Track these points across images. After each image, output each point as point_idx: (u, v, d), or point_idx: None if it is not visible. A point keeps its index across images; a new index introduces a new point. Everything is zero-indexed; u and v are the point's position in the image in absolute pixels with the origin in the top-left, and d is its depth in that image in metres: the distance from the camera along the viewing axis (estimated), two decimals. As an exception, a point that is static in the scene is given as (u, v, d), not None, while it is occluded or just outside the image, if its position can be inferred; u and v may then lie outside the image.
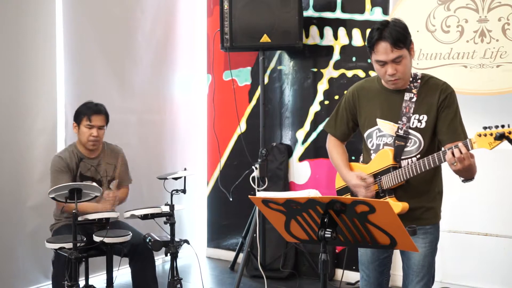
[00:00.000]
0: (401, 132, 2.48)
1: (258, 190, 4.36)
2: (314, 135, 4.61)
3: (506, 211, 3.89)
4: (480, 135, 2.19)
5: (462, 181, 2.38)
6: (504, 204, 3.90)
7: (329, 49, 4.50)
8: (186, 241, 3.24)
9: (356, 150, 2.79)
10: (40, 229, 3.74)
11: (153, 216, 3.18)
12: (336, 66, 4.48)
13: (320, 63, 4.56)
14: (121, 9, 4.51)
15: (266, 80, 4.65)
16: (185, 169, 3.34)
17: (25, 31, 3.82)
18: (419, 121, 2.47)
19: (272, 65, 4.81)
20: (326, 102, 4.52)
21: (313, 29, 4.56)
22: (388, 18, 3.45)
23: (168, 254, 3.15)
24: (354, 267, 3.99)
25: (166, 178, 3.25)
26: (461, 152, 2.21)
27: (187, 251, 3.61)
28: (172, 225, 3.15)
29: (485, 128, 2.19)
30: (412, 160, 2.46)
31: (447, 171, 2.44)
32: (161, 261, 4.81)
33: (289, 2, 4.26)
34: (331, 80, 4.51)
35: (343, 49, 4.44)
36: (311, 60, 4.61)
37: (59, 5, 4.03)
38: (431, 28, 3.78)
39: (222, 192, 4.92)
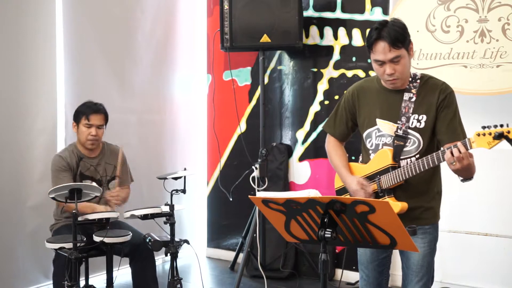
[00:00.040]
0: (400, 132, 2.48)
1: (258, 190, 4.36)
2: (314, 135, 4.62)
3: (506, 211, 3.89)
4: (479, 135, 2.20)
5: (461, 180, 2.38)
6: (504, 204, 3.90)
7: (329, 49, 4.50)
8: (186, 241, 3.24)
9: (356, 150, 2.79)
10: (40, 229, 3.74)
11: (153, 216, 3.18)
12: (336, 66, 4.48)
13: (320, 63, 4.56)
14: (121, 9, 4.51)
15: (266, 80, 4.65)
16: (185, 169, 3.34)
17: (25, 31, 3.82)
18: (419, 121, 2.47)
19: (272, 65, 4.81)
20: (326, 102, 4.52)
21: (313, 29, 4.56)
22: (388, 18, 3.46)
23: (168, 254, 3.15)
24: (354, 267, 3.98)
25: (166, 178, 3.25)
26: (460, 152, 2.22)
27: (187, 251, 3.60)
28: (172, 225, 3.15)
29: (484, 127, 2.19)
30: (411, 160, 2.47)
31: (446, 171, 2.44)
32: (161, 261, 4.81)
33: (289, 2, 4.26)
34: (331, 80, 4.51)
35: (343, 49, 4.44)
36: (311, 60, 4.61)
37: (59, 5, 4.03)
38: (431, 28, 3.78)
39: (222, 192, 4.92)
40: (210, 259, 5.16)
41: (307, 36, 4.57)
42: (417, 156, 2.47)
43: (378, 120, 2.56)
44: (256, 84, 4.75)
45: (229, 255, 4.97)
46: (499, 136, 2.15)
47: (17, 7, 3.77)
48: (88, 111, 3.50)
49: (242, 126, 4.93)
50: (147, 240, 3.16)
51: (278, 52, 4.75)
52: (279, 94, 4.79)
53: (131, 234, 3.29)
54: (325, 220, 1.94)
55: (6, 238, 3.75)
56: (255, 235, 4.31)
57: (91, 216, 3.16)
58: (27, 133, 3.87)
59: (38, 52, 3.90)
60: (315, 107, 4.60)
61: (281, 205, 2.02)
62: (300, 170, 4.70)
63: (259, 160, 4.40)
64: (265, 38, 4.28)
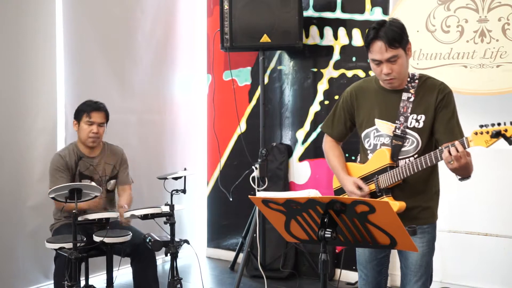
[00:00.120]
0: (398, 132, 2.49)
1: (258, 190, 4.36)
2: (314, 135, 4.62)
3: (506, 211, 3.89)
4: (476, 133, 2.21)
5: (459, 179, 2.39)
6: (504, 204, 3.90)
7: (329, 49, 4.50)
8: (186, 241, 3.24)
9: (356, 150, 2.79)
10: (40, 229, 3.74)
11: (153, 216, 3.18)
12: (336, 66, 4.48)
13: (320, 63, 4.56)
14: (121, 9, 4.51)
15: (266, 80, 4.65)
16: (185, 169, 3.34)
17: (25, 31, 3.82)
18: (417, 121, 2.48)
19: (272, 65, 4.81)
20: (326, 102, 4.52)
21: (313, 29, 4.56)
22: (388, 18, 3.45)
23: (168, 254, 3.15)
24: (354, 267, 3.98)
25: (166, 178, 3.25)
26: (457, 151, 2.22)
27: (187, 251, 3.61)
28: (172, 225, 3.15)
29: (481, 126, 2.20)
30: (409, 160, 2.47)
31: (444, 170, 2.44)
32: (161, 261, 4.81)
33: (289, 2, 4.26)
34: (331, 80, 4.52)
35: (343, 49, 4.44)
36: (311, 60, 4.61)
37: (59, 5, 4.03)
38: (431, 28, 3.78)
39: (222, 192, 4.92)
40: (210, 259, 5.16)
41: (307, 36, 4.57)
42: (415, 156, 2.47)
43: (376, 120, 2.56)
44: (256, 84, 4.75)
45: (229, 255, 4.97)
46: (497, 135, 2.15)
47: (17, 7, 3.77)
48: (89, 109, 3.51)
49: (242, 126, 4.93)
50: (147, 240, 3.16)
51: (278, 52, 4.75)
52: (279, 94, 4.79)
53: (131, 234, 3.29)
54: (325, 220, 1.94)
55: (6, 238, 3.75)
56: (255, 235, 4.31)
57: (91, 216, 3.17)
58: (27, 133, 3.87)
59: (38, 52, 3.90)
60: (315, 107, 4.60)
61: (281, 205, 2.02)
62: (300, 170, 4.70)
63: (259, 160, 4.40)
64: (265, 38, 4.28)
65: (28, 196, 3.87)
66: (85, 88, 4.15)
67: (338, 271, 4.47)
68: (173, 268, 3.18)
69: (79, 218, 3.05)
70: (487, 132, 2.17)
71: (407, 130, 2.48)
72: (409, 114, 2.48)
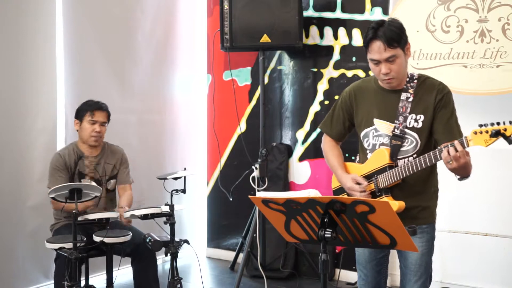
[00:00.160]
0: (397, 132, 2.49)
1: (258, 190, 4.36)
2: (314, 135, 4.62)
3: (506, 211, 3.89)
4: (475, 133, 2.21)
5: (458, 179, 2.39)
6: (504, 204, 3.90)
7: (329, 49, 4.50)
8: (186, 241, 3.24)
9: (355, 150, 2.79)
10: (40, 229, 3.74)
11: (153, 216, 3.18)
12: (336, 66, 4.48)
13: (320, 63, 4.56)
14: (121, 9, 4.51)
15: (266, 80, 4.65)
16: (185, 169, 3.34)
17: (25, 31, 3.82)
18: (416, 120, 2.48)
19: (272, 65, 4.81)
20: (326, 102, 4.52)
21: (313, 29, 4.56)
22: (387, 18, 3.45)
23: (168, 254, 3.15)
24: (354, 267, 3.98)
25: (166, 178, 3.25)
26: (456, 150, 2.22)
27: (187, 251, 3.61)
28: (172, 225, 3.15)
29: (480, 125, 2.20)
30: (408, 160, 2.47)
31: (443, 170, 2.44)
32: (161, 261, 4.80)
33: (289, 2, 4.26)
34: (331, 80, 4.52)
35: (343, 49, 4.44)
36: (311, 60, 4.61)
37: (59, 5, 4.03)
38: (431, 28, 3.78)
39: (222, 192, 4.92)
40: (210, 259, 5.16)
41: (307, 36, 4.57)
42: (414, 156, 2.47)
43: (375, 120, 2.56)
44: (256, 84, 4.75)
45: (229, 255, 4.97)
46: (496, 134, 2.15)
47: (17, 7, 3.77)
48: (92, 108, 3.54)
49: (242, 126, 4.93)
50: (147, 240, 3.16)
51: (278, 52, 4.75)
52: (279, 94, 4.79)
53: (131, 234, 3.29)
54: (325, 220, 1.94)
55: (6, 238, 3.75)
56: (255, 235, 4.31)
57: (91, 216, 3.17)
58: (27, 133, 3.87)
59: (38, 52, 3.90)
60: (315, 107, 4.60)
61: (281, 205, 2.02)
62: (300, 170, 4.70)
63: (259, 160, 4.40)
64: (265, 38, 4.28)
65: (28, 196, 3.87)
66: (85, 88, 4.15)
67: (338, 271, 4.47)
68: (173, 268, 3.18)
69: (79, 218, 3.05)
70: (487, 132, 2.18)
71: (406, 130, 2.48)
72: (408, 114, 2.48)
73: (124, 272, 3.59)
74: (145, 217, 3.18)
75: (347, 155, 3.16)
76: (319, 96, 4.57)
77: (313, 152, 4.61)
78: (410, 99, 2.49)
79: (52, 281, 3.43)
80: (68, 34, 4.09)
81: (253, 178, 4.41)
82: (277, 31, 4.27)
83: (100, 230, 3.23)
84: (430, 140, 2.51)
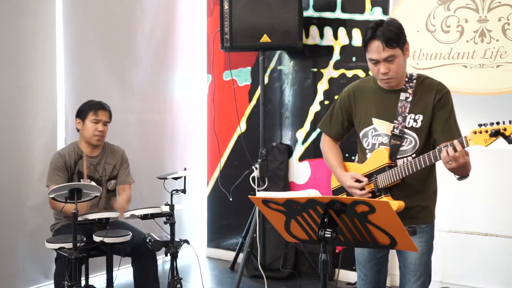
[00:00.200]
0: (397, 132, 2.49)
1: (258, 190, 4.36)
2: (314, 135, 4.62)
3: (506, 211, 3.89)
4: (475, 132, 2.21)
5: (457, 179, 2.39)
6: (504, 204, 3.90)
7: (329, 49, 4.50)
8: (186, 241, 3.24)
9: (355, 150, 2.79)
10: (40, 229, 3.74)
11: (153, 216, 3.18)
12: (336, 66, 4.48)
13: (320, 63, 4.56)
14: (121, 9, 4.51)
15: (266, 80, 4.65)
16: (185, 169, 3.34)
17: (25, 31, 3.82)
18: (415, 120, 2.48)
19: (272, 65, 4.81)
20: (326, 102, 4.52)
21: (313, 29, 4.56)
22: (386, 18, 3.45)
23: (168, 254, 3.15)
24: (353, 267, 3.98)
25: (166, 178, 3.25)
26: (456, 150, 2.22)
27: (187, 251, 3.61)
28: (172, 225, 3.15)
29: (480, 125, 2.20)
30: (407, 159, 2.47)
31: (442, 170, 2.45)
32: (161, 261, 4.80)
33: (289, 2, 4.26)
34: (331, 80, 4.52)
35: (343, 49, 4.44)
36: (311, 60, 4.61)
37: (59, 5, 4.03)
38: (431, 28, 3.78)
39: (222, 192, 4.92)
40: (210, 259, 5.16)
41: (307, 36, 4.57)
42: (413, 155, 2.48)
43: (374, 120, 2.57)
44: (256, 84, 4.75)
45: (229, 255, 4.97)
46: (496, 134, 2.15)
47: (17, 7, 3.77)
48: (96, 107, 3.55)
49: (242, 126, 4.93)
50: (147, 240, 3.16)
51: (278, 52, 4.75)
52: (279, 94, 4.79)
53: (131, 234, 3.29)
54: (325, 220, 1.94)
55: (6, 238, 3.75)
56: (255, 235, 4.31)
57: (91, 216, 3.16)
58: (27, 133, 3.87)
59: (38, 52, 3.90)
60: (315, 107, 4.60)
61: (281, 205, 2.02)
62: (300, 170, 4.70)
63: (259, 160, 4.40)
64: (265, 38, 4.28)
65: (28, 196, 3.87)
66: (85, 88, 4.15)
67: (337, 271, 4.47)
68: (173, 268, 3.18)
69: (79, 218, 3.05)
70: (486, 131, 2.18)
71: (405, 130, 2.49)
72: (407, 114, 2.49)
73: (124, 272, 3.59)
74: (145, 217, 3.18)
75: (347, 155, 3.16)
76: (319, 96, 4.57)
77: (313, 152, 4.61)
78: (409, 99, 2.49)
79: (52, 281, 3.43)
80: (68, 34, 4.09)
81: (253, 178, 4.41)
82: (277, 31, 4.27)
83: (100, 230, 3.23)
84: (429, 140, 2.51)
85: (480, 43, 3.61)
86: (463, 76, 3.66)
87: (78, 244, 2.95)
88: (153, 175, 3.58)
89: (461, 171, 2.31)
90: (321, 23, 4.53)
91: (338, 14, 4.44)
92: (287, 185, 4.73)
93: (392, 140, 2.50)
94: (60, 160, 3.47)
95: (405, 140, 2.49)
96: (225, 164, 5.05)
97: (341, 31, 4.44)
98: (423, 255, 2.53)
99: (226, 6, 4.34)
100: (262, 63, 4.42)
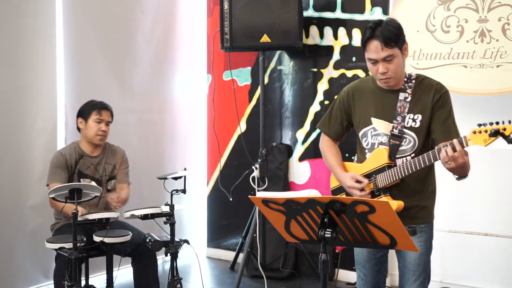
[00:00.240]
0: (396, 131, 2.50)
1: (258, 190, 4.36)
2: (314, 135, 4.62)
3: (506, 211, 3.89)
4: (475, 132, 2.21)
5: (456, 179, 2.39)
6: (504, 204, 3.90)
7: (329, 49, 4.50)
8: (186, 241, 3.24)
9: (355, 150, 2.79)
10: (40, 229, 3.74)
11: (153, 216, 3.18)
12: (336, 66, 4.48)
13: (320, 63, 4.56)
14: (121, 9, 4.51)
15: (266, 80, 4.65)
16: (185, 169, 3.34)
17: (25, 31, 3.82)
18: (414, 120, 2.49)
19: (272, 65, 4.81)
20: (326, 102, 4.52)
21: (313, 29, 4.56)
22: (385, 17, 3.46)
23: (168, 254, 3.15)
24: (353, 267, 3.98)
25: (166, 178, 3.25)
26: (455, 150, 2.22)
27: (187, 251, 3.61)
28: (172, 225, 3.15)
29: (479, 125, 2.20)
30: (407, 159, 2.48)
31: (442, 170, 2.45)
32: (161, 261, 4.80)
33: (289, 2, 4.26)
34: (331, 80, 4.52)
35: (343, 49, 4.44)
36: (311, 60, 4.61)
37: (59, 5, 4.03)
38: (431, 28, 3.78)
39: (222, 192, 4.92)
40: (210, 259, 5.16)
41: (307, 36, 4.57)
42: (412, 155, 2.48)
43: (373, 119, 2.57)
44: (256, 84, 4.75)
45: (229, 255, 4.97)
46: (495, 133, 2.15)
47: (17, 7, 3.77)
48: (98, 107, 3.56)
49: (242, 126, 4.93)
50: (147, 240, 3.16)
51: (278, 52, 4.75)
52: (279, 94, 4.79)
53: (131, 234, 3.29)
54: (325, 220, 1.94)
55: (6, 238, 3.75)
56: (255, 235, 4.31)
57: (91, 216, 3.16)
58: (27, 133, 3.87)
59: (38, 52, 3.90)
60: (315, 107, 4.60)
61: (281, 205, 2.02)
62: (300, 170, 4.70)
63: (259, 160, 4.40)
64: (265, 38, 4.28)
65: (28, 196, 3.87)
66: (85, 88, 4.15)
67: (337, 271, 4.47)
68: (173, 268, 3.18)
69: (79, 218, 3.05)
70: (486, 131, 2.18)
71: (404, 130, 2.49)
72: (406, 114, 2.49)
73: (124, 272, 3.59)
74: (145, 217, 3.18)
75: (346, 155, 3.16)
76: (319, 96, 4.57)
77: (313, 152, 4.61)
78: (408, 99, 2.49)
79: (52, 281, 3.43)
80: (68, 34, 4.09)
81: (253, 178, 4.41)
82: (277, 31, 4.27)
83: (100, 230, 3.23)
84: (428, 140, 2.52)
85: (480, 43, 3.61)
86: (463, 76, 3.66)
87: (78, 244, 2.95)
88: (153, 175, 3.58)
89: (460, 171, 2.31)
90: (321, 23, 4.53)
91: (338, 14, 4.45)
92: (287, 185, 4.73)
93: (391, 140, 2.50)
94: (61, 159, 3.47)
95: (404, 140, 2.49)
96: (225, 164, 5.05)
97: (341, 31, 4.44)
98: (422, 254, 2.53)
99: (226, 6, 4.34)
100: (262, 63, 4.42)
